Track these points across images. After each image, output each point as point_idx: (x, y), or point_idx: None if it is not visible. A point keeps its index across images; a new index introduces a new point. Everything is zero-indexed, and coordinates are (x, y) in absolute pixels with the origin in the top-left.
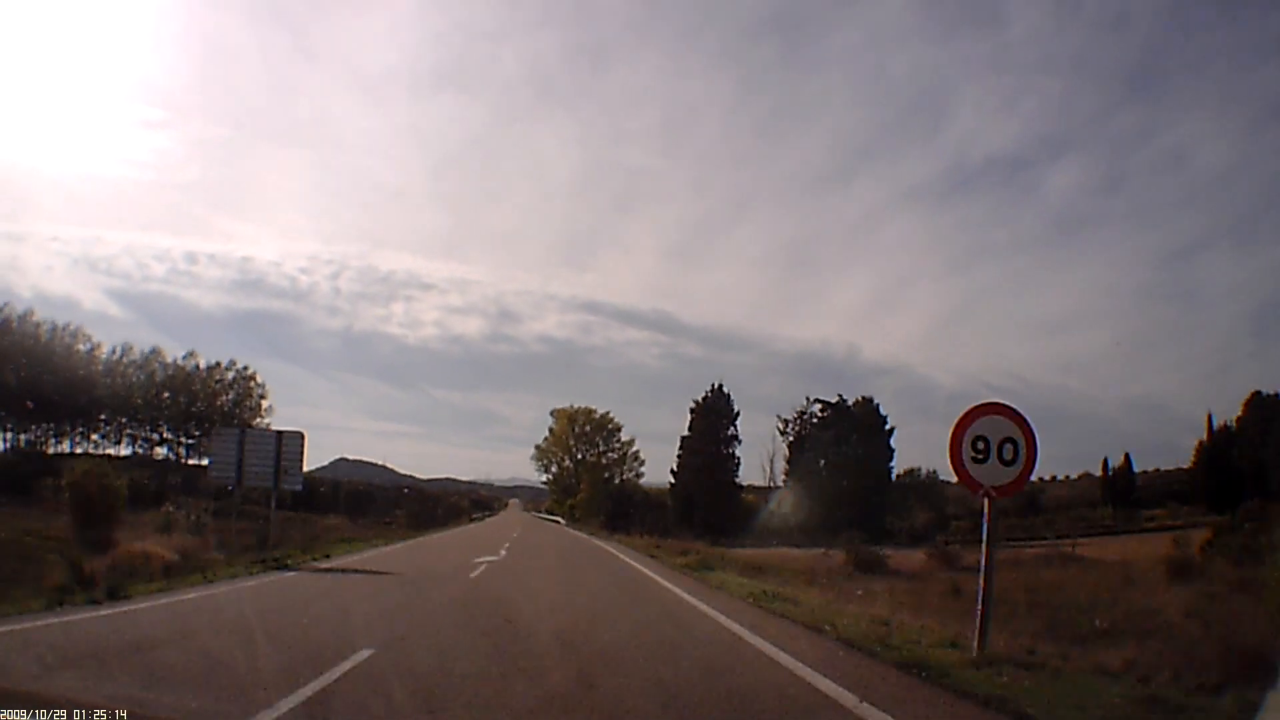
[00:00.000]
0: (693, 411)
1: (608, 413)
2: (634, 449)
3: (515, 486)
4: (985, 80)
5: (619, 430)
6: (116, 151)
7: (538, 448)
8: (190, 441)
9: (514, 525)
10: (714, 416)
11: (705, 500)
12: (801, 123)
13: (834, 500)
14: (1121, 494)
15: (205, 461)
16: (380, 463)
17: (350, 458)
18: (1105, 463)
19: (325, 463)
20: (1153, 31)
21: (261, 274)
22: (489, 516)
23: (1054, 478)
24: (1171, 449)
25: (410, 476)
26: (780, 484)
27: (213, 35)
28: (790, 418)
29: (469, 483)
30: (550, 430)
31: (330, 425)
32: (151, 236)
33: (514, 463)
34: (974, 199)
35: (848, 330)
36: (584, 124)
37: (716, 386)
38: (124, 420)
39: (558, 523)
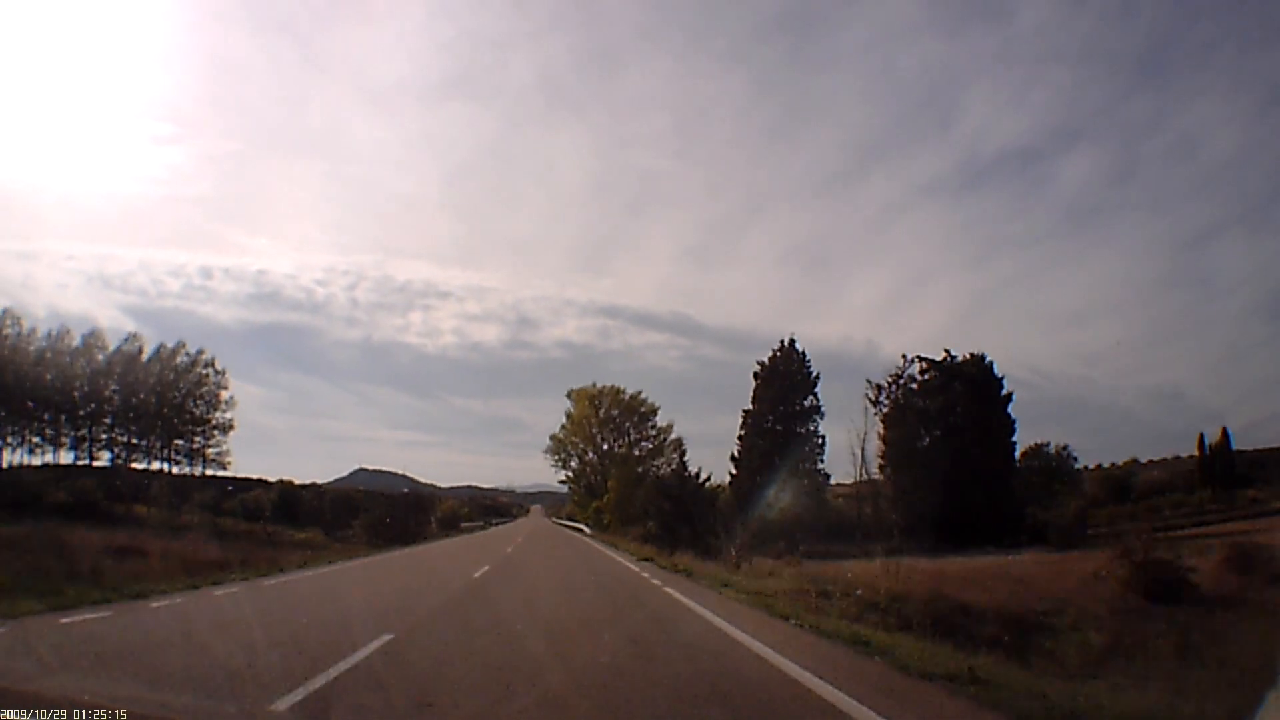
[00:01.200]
0: (757, 377)
1: (639, 393)
2: (673, 436)
3: (539, 492)
4: (995, 73)
5: (654, 414)
6: (128, 168)
7: (553, 438)
8: (137, 442)
9: (512, 538)
10: (785, 382)
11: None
12: (813, 121)
13: (949, 488)
14: (1221, 475)
15: (156, 465)
16: (400, 472)
17: (369, 468)
18: (1201, 439)
19: (345, 473)
20: (1159, 18)
21: (277, 287)
22: (497, 524)
23: (1150, 460)
24: (1188, 438)
25: (431, 485)
26: (875, 472)
27: (221, 49)
28: (884, 383)
29: (490, 489)
30: (568, 415)
31: (350, 436)
32: (165, 252)
33: (536, 469)
34: (987, 193)
35: (866, 327)
36: (596, 128)
37: (787, 343)
38: (62, 418)
39: (580, 532)
